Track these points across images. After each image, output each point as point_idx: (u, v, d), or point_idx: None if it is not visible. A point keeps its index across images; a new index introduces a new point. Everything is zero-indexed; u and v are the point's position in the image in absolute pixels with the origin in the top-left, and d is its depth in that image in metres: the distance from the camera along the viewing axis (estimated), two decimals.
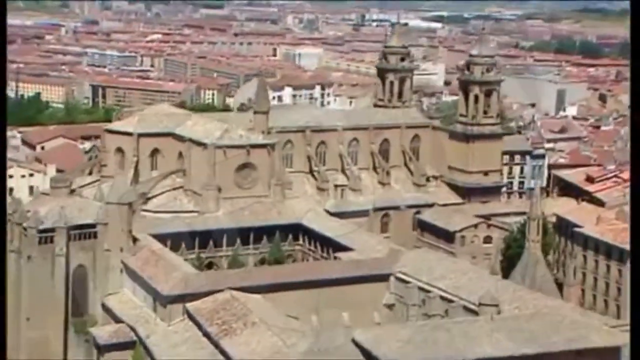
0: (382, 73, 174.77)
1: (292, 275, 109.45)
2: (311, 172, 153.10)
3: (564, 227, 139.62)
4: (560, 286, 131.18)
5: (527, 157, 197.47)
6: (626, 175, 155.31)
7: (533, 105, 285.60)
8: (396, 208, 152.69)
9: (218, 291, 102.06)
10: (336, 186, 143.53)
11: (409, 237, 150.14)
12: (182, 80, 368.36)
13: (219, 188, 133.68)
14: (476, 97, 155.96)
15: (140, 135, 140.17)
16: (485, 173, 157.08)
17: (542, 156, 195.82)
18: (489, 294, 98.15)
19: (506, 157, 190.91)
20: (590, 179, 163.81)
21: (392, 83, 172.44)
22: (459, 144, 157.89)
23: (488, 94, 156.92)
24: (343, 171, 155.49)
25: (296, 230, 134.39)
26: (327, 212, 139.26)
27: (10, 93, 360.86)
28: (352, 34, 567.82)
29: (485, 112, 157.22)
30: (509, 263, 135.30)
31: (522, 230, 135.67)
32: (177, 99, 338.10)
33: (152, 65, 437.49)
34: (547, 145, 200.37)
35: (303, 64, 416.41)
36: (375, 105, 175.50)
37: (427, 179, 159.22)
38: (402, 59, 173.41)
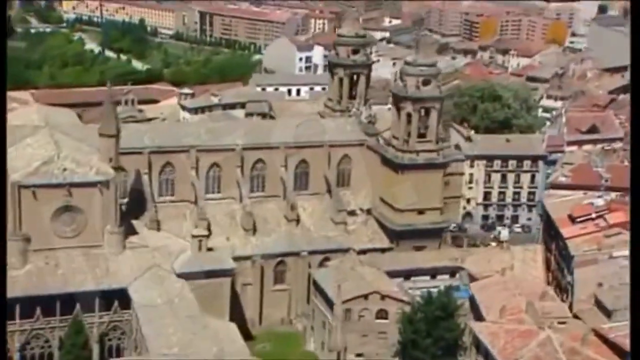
0: (332, 68, 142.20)
1: None
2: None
3: (475, 309, 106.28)
4: None
5: (540, 163, 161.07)
6: (615, 216, 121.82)
7: (622, 69, 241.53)
8: (295, 254, 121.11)
9: None
10: (194, 236, 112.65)
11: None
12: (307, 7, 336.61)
13: (28, 238, 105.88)
14: (409, 117, 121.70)
15: None
16: (420, 211, 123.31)
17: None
18: None
19: (513, 163, 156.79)
20: (571, 218, 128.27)
21: (341, 81, 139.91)
22: (390, 172, 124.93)
23: (425, 113, 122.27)
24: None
25: (125, 297, 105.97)
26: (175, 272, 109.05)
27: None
28: None
29: (422, 136, 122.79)
30: (404, 353, 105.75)
31: (424, 309, 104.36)
32: (282, 30, 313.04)
33: None
34: (568, 149, 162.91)
35: None
36: (326, 107, 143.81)
37: (352, 213, 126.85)
38: (355, 52, 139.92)
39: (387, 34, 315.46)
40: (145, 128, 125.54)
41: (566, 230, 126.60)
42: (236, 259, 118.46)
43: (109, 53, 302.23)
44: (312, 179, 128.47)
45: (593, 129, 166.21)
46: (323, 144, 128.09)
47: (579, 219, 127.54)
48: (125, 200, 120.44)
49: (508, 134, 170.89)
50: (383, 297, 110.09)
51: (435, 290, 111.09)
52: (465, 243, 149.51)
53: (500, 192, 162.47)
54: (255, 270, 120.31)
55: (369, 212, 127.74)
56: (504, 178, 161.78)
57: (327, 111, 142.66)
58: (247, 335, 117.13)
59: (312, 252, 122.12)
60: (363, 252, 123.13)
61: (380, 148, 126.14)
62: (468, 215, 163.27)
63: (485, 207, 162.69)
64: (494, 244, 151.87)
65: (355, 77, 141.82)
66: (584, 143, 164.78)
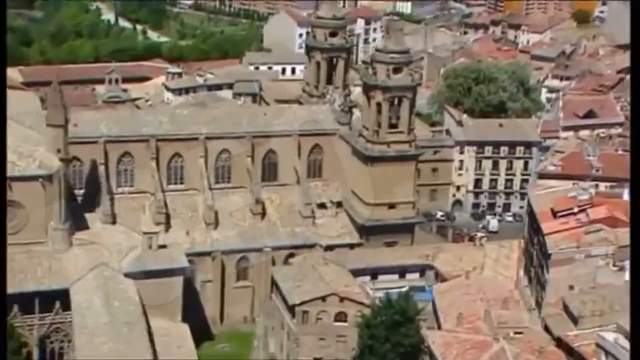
0: (309, 51, 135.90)
1: None
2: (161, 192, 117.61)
3: (435, 315, 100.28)
4: None
5: (534, 149, 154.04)
6: (597, 211, 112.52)
7: None
8: (257, 250, 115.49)
9: None
10: (145, 233, 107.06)
11: None
12: None
13: None
14: (379, 106, 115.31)
15: None
16: (391, 206, 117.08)
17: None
18: None
19: (505, 149, 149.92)
20: (553, 212, 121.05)
21: (318, 65, 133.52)
22: (360, 164, 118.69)
23: (397, 102, 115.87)
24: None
25: (68, 298, 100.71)
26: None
27: None
28: None
29: (393, 126, 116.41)
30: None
31: (382, 313, 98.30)
32: (300, 1, 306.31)
33: None
34: (564, 135, 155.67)
35: None
36: (304, 91, 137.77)
37: (323, 206, 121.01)
38: (333, 34, 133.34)
39: (408, 4, 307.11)
40: (102, 116, 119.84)
41: (546, 225, 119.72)
42: (196, 254, 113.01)
43: (126, 23, 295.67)
44: (282, 170, 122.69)
45: (591, 114, 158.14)
46: (292, 133, 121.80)
47: (560, 213, 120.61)
48: (82, 191, 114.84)
49: (504, 117, 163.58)
50: (342, 299, 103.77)
51: (399, 291, 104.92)
52: (450, 233, 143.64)
53: (491, 180, 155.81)
54: (216, 266, 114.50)
55: (339, 205, 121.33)
56: (495, 165, 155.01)
57: (305, 96, 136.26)
58: (207, 335, 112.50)
59: (276, 248, 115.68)
60: (331, 247, 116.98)
61: (351, 138, 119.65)
62: (458, 203, 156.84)
63: (476, 194, 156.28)
64: (480, 234, 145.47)
65: (335, 61, 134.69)
66: (581, 128, 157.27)
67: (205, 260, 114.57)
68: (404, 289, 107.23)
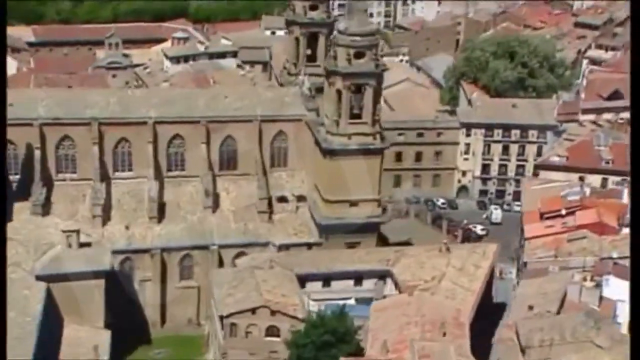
0: (287, 25, 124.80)
1: None
2: (107, 180, 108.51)
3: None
4: None
5: (549, 134, 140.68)
6: (585, 214, 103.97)
7: None
8: (203, 248, 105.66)
9: None
10: (63, 232, 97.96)
11: None
12: None
13: None
14: (339, 94, 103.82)
15: None
16: (353, 203, 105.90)
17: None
18: None
19: (516, 133, 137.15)
20: (540, 213, 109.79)
21: (297, 41, 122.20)
22: (321, 157, 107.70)
23: (359, 90, 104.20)
24: (160, 180, 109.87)
25: None
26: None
27: None
28: None
29: (356, 117, 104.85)
30: None
31: (312, 332, 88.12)
32: None
33: None
34: (583, 118, 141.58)
35: None
36: (284, 69, 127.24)
37: (283, 199, 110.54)
38: (313, 7, 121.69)
39: None
40: (43, 94, 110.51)
41: (530, 228, 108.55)
42: (133, 251, 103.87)
43: None
44: (241, 159, 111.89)
45: (616, 95, 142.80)
46: (253, 119, 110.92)
47: (547, 215, 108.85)
48: (17, 177, 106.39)
49: (524, 96, 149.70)
50: (273, 312, 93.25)
51: (335, 305, 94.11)
52: (445, 225, 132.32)
53: (501, 165, 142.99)
54: (155, 264, 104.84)
55: (302, 199, 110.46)
56: (505, 149, 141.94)
57: (284, 74, 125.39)
58: (145, 340, 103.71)
59: (224, 246, 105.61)
60: (286, 247, 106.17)
61: (315, 127, 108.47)
62: (464, 189, 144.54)
63: (484, 181, 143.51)
64: (480, 226, 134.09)
65: (318, 37, 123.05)
66: (603, 111, 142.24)
67: (144, 257, 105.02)
68: (347, 301, 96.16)
